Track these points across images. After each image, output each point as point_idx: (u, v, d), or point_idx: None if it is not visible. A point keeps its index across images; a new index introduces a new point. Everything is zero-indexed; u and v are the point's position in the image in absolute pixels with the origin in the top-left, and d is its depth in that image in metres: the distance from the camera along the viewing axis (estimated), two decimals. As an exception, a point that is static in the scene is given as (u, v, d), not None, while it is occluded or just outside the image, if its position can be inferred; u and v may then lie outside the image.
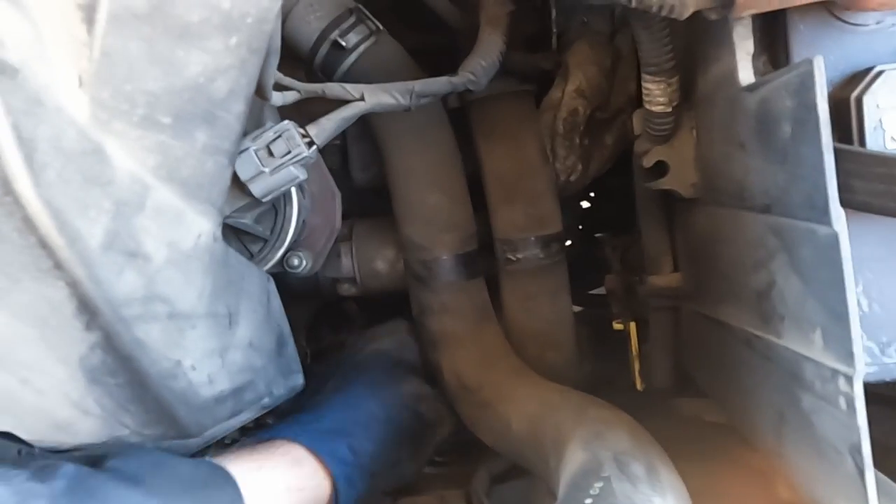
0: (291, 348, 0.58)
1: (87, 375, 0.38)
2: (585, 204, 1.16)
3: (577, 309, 1.03)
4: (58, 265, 0.33)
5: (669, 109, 0.62)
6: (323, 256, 0.78)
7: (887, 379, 0.49)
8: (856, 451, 0.39)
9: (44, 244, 0.32)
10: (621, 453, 0.48)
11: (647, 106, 0.62)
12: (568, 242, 0.91)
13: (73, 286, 0.34)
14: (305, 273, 0.75)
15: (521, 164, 0.79)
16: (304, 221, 0.73)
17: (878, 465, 0.53)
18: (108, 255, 0.35)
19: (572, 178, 0.87)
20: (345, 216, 0.76)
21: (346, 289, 0.90)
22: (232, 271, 0.48)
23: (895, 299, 0.49)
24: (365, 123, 0.79)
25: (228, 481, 0.52)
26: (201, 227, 0.43)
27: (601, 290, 0.97)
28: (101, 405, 0.40)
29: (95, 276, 0.34)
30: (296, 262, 0.74)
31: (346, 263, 0.88)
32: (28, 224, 0.32)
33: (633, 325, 0.87)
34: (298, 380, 0.59)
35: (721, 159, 0.58)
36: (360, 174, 0.89)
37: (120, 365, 0.38)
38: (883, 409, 0.88)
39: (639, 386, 0.89)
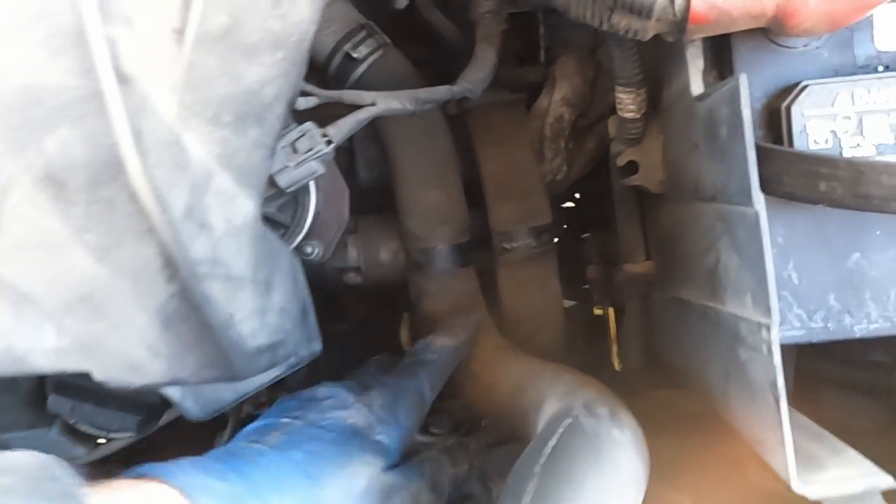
0: (312, 318, 0.68)
1: (162, 322, 0.48)
2: (569, 204, 1.27)
3: (570, 303, 1.14)
4: (151, 229, 0.43)
5: (638, 116, 0.73)
6: (332, 246, 0.88)
7: (813, 340, 0.60)
8: (773, 385, 0.49)
9: (143, 212, 0.43)
10: (590, 401, 0.59)
11: (620, 113, 0.74)
12: (555, 240, 1.01)
13: (161, 246, 0.44)
14: (317, 260, 0.85)
15: (513, 165, 0.90)
16: (317, 213, 0.83)
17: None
18: (186, 223, 0.46)
19: (558, 177, 0.98)
20: (351, 212, 0.86)
21: (352, 278, 1.00)
22: (269, 246, 0.58)
23: (819, 275, 0.60)
24: (371, 128, 0.90)
25: None
26: (248, 207, 0.54)
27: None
28: (171, 348, 0.50)
29: (178, 239, 0.45)
30: (309, 250, 0.84)
31: (352, 254, 0.98)
32: (134, 196, 0.42)
33: (611, 310, 0.98)
34: (318, 346, 0.69)
35: (681, 159, 0.69)
36: (365, 174, 0.99)
37: (190, 313, 0.48)
38: (840, 393, 0.99)
39: (616, 366, 1.00)
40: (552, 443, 0.53)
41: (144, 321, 0.48)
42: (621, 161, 0.77)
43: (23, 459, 0.46)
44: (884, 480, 0.50)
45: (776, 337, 0.49)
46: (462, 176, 0.91)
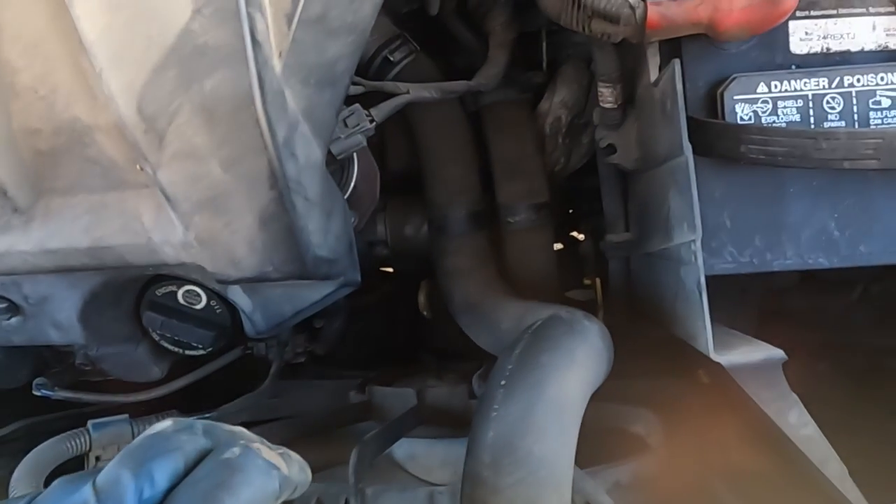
0: (356, 254, 0.90)
1: (262, 221, 0.70)
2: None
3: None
4: (265, 147, 0.66)
5: (616, 106, 0.95)
6: (365, 218, 1.09)
7: (741, 272, 0.81)
8: (699, 284, 0.71)
9: (262, 134, 0.65)
10: (570, 311, 0.80)
11: (601, 104, 0.96)
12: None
13: (270, 161, 0.67)
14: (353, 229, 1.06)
15: (518, 151, 1.13)
16: (355, 185, 1.05)
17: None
18: (284, 149, 0.68)
19: (557, 169, 1.21)
20: (381, 194, 1.07)
21: (380, 251, 1.23)
22: (331, 186, 0.81)
23: (747, 221, 0.81)
24: (401, 123, 1.13)
25: None
26: (319, 153, 0.76)
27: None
28: (264, 244, 0.72)
29: (280, 157, 0.67)
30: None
31: (381, 229, 1.21)
32: (257, 121, 0.64)
33: (598, 280, 1.20)
34: (358, 276, 0.90)
35: (647, 137, 0.91)
36: (395, 163, 1.22)
37: (281, 215, 0.70)
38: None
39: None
40: (535, 325, 0.74)
41: (250, 220, 0.70)
42: (602, 144, 0.99)
43: None
44: (777, 353, 0.71)
45: (699, 249, 0.71)
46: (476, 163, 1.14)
